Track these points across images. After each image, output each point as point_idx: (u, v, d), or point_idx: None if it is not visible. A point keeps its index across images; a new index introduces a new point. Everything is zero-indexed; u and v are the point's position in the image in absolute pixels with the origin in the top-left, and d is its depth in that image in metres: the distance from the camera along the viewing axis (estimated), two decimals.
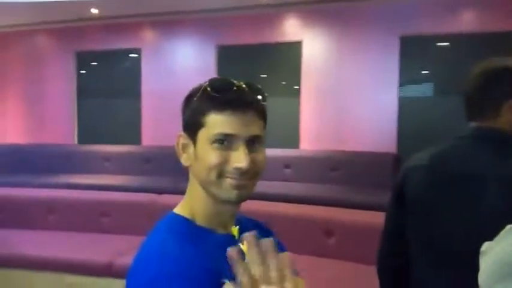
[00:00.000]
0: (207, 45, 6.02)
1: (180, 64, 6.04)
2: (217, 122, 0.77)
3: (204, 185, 0.79)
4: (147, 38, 6.37)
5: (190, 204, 0.83)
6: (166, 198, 3.30)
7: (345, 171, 4.46)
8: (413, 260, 1.21)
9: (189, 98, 0.82)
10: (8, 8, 5.87)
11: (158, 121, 6.04)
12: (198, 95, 0.79)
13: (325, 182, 4.40)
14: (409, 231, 1.21)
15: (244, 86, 0.79)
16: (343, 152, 4.79)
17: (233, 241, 0.81)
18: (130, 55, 6.54)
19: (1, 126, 7.29)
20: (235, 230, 0.85)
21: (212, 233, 0.81)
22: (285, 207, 3.25)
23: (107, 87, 6.65)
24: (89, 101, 6.72)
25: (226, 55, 6.00)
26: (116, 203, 3.39)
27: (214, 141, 0.76)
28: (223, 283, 0.67)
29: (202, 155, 0.77)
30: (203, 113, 0.78)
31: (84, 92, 6.75)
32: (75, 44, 6.72)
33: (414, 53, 5.08)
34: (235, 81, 0.79)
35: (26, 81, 7.11)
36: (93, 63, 6.83)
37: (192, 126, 0.80)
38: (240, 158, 0.76)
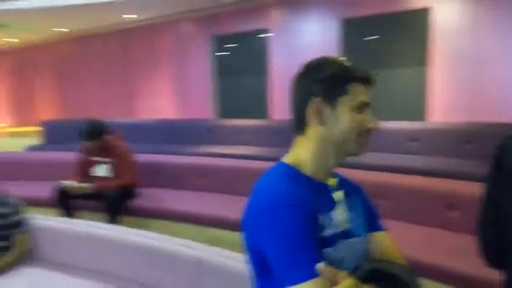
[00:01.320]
0: (331, 20, 6.06)
1: (304, 40, 6.22)
2: (359, 92, 0.97)
3: (339, 142, 0.97)
4: (274, 18, 6.68)
5: (297, 156, 1.02)
6: None
7: (480, 144, 4.16)
8: (509, 230, 1.21)
9: (317, 70, 0.99)
10: (158, 1, 6.76)
11: (284, 97, 6.38)
12: (335, 68, 0.97)
13: (458, 155, 4.17)
14: (505, 200, 1.21)
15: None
16: (479, 123, 4.43)
17: (328, 189, 1.02)
18: (260, 35, 6.96)
19: (157, 103, 8.53)
20: (333, 181, 1.04)
21: (311, 179, 0.99)
22: (406, 178, 3.26)
23: (239, 67, 7.24)
24: (225, 80, 7.41)
25: (351, 28, 5.96)
26: (248, 170, 3.82)
27: (356, 107, 0.96)
28: (318, 218, 0.92)
29: (343, 118, 0.96)
30: (347, 82, 0.96)
31: (220, 72, 7.46)
32: (212, 28, 7.42)
33: None
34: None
35: (173, 65, 8.15)
36: (227, 45, 7.46)
37: (332, 92, 0.96)
38: (374, 121, 0.98)
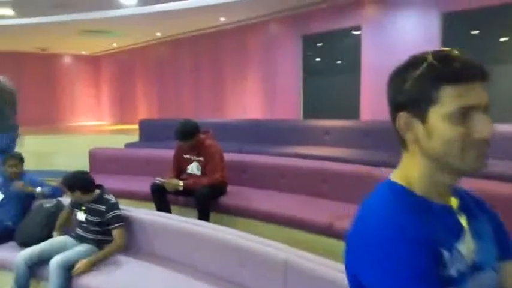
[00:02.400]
0: (430, 15, 5.66)
1: (400, 37, 5.89)
2: (453, 96, 0.74)
3: (442, 159, 0.76)
4: (367, 14, 6.43)
5: (406, 174, 0.82)
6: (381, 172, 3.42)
7: None
8: None
9: (402, 74, 0.79)
10: (250, 4, 6.88)
11: (377, 96, 6.10)
12: (421, 70, 0.76)
13: None
14: None
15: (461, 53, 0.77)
16: None
17: (451, 212, 0.82)
18: (351, 32, 6.76)
19: (245, 104, 8.71)
20: (454, 201, 0.84)
21: (429, 202, 0.80)
22: None
23: (329, 66, 7.10)
24: (313, 79, 7.32)
25: (453, 23, 5.51)
26: (334, 173, 3.71)
27: (453, 116, 0.74)
28: (441, 253, 0.74)
29: (439, 132, 0.75)
30: (434, 88, 0.74)
31: (308, 71, 7.39)
32: (302, 28, 7.38)
33: None
34: (455, 50, 0.77)
35: (262, 64, 8.26)
36: (317, 44, 7.36)
37: (419, 103, 0.76)
38: (483, 128, 0.73)
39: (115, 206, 3.05)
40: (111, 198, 3.12)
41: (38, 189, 3.50)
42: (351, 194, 3.50)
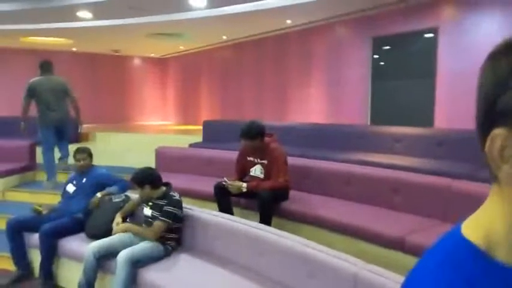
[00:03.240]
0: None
1: (483, 39, 5.43)
2: None
3: None
4: (446, 15, 6.02)
5: (486, 227, 0.51)
6: (461, 185, 3.13)
7: None
8: None
9: (501, 73, 0.48)
10: (317, 6, 6.74)
11: (454, 102, 5.69)
12: None
13: None
14: None
15: None
16: None
17: None
18: (425, 35, 6.37)
19: (308, 107, 8.57)
20: None
21: None
22: None
23: (399, 70, 6.75)
24: (381, 83, 7.00)
25: None
26: (407, 183, 3.46)
27: None
28: None
29: None
30: None
31: (377, 75, 7.08)
32: (371, 30, 7.09)
33: None
34: None
35: (326, 68, 8.06)
36: (385, 47, 7.04)
37: None
38: None
39: (176, 203, 3.12)
40: (176, 195, 3.17)
41: (111, 189, 3.69)
42: (426, 207, 3.25)
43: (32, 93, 5.33)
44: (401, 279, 1.98)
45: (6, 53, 12.44)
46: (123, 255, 2.80)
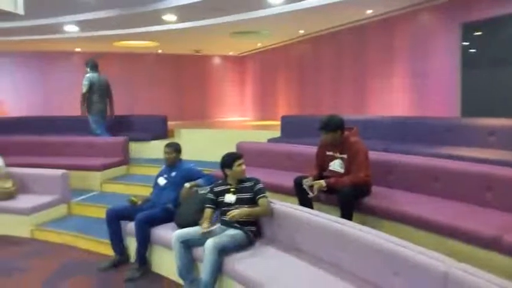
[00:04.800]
0: None
1: None
2: None
3: None
4: None
5: None
6: None
7: None
8: None
9: None
10: None
11: None
12: None
13: None
14: None
15: None
16: None
17: None
18: None
19: (388, 100, 8.24)
20: None
21: None
22: None
23: (493, 57, 6.19)
24: (473, 72, 6.49)
25: None
26: (502, 178, 3.19)
27: None
28: None
29: None
30: None
31: (467, 63, 6.58)
32: (460, 15, 6.61)
33: None
34: None
35: (410, 59, 7.67)
36: (476, 33, 6.51)
37: None
38: None
39: (260, 181, 3.41)
40: (254, 177, 3.45)
41: (199, 181, 3.91)
42: None
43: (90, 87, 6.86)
44: (497, 280, 1.85)
45: (100, 57, 13.62)
46: (209, 244, 2.96)
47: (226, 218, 3.24)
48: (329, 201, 3.75)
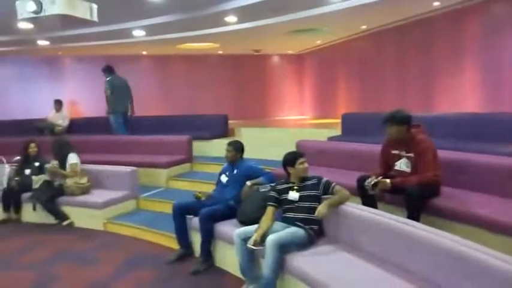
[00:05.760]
0: None
1: None
2: None
3: None
4: None
5: None
6: None
7: None
8: None
9: None
10: None
11: None
12: None
13: None
14: None
15: None
16: None
17: None
18: None
19: (457, 96, 7.79)
20: None
21: None
22: None
23: None
24: None
25: None
26: None
27: None
28: None
29: None
30: None
31: None
32: None
33: None
34: None
35: (482, 51, 7.20)
36: None
37: None
38: None
39: (323, 177, 3.39)
40: (316, 175, 3.46)
41: (260, 179, 3.95)
42: None
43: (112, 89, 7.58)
44: None
45: (165, 60, 14.22)
46: (270, 240, 2.98)
47: (289, 215, 3.26)
48: (394, 201, 3.62)
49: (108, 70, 7.81)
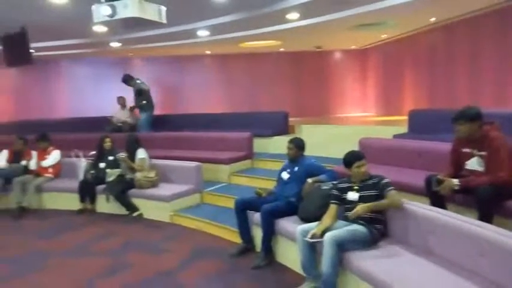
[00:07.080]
0: None
1: None
2: None
3: None
4: None
5: None
6: None
7: None
8: None
9: None
10: None
11: None
12: None
13: None
14: None
15: None
16: None
17: None
18: None
19: None
20: None
21: None
22: None
23: None
24: None
25: None
26: None
27: None
28: None
29: None
30: None
31: None
32: None
33: None
34: None
35: None
36: None
37: None
38: None
39: (385, 177, 3.28)
40: (379, 174, 3.35)
41: (321, 176, 3.92)
42: None
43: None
44: None
45: (227, 58, 14.53)
46: (328, 236, 2.97)
47: (349, 215, 3.21)
48: (465, 202, 3.43)
49: (128, 79, 8.59)
